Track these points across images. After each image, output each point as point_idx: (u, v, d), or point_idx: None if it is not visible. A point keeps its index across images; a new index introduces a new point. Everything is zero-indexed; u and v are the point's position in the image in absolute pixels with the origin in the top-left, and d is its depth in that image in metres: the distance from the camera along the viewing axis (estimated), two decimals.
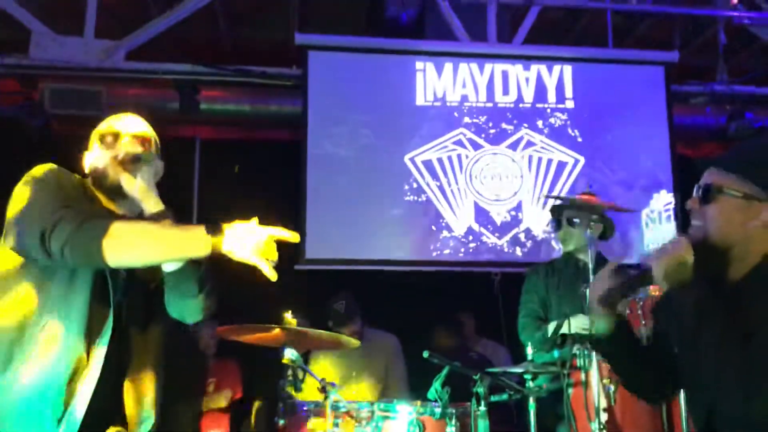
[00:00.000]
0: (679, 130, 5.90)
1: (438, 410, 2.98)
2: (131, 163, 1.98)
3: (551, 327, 3.31)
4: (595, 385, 2.92)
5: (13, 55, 5.41)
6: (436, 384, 2.91)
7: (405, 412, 3.02)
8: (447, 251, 5.51)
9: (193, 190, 6.14)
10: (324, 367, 4.50)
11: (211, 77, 5.69)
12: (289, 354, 3.02)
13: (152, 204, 1.96)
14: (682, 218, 5.67)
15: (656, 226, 5.70)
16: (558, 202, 3.88)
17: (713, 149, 6.32)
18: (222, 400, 4.93)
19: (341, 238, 5.41)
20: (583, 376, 2.98)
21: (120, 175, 1.98)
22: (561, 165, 5.74)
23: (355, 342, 3.19)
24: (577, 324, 3.09)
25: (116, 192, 2.00)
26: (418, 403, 3.05)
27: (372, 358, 4.54)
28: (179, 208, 2.05)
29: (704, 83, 6.15)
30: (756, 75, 6.18)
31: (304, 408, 3.22)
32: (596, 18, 6.11)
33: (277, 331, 2.99)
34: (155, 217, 1.94)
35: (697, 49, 6.29)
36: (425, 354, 2.93)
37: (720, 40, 6.01)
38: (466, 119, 5.72)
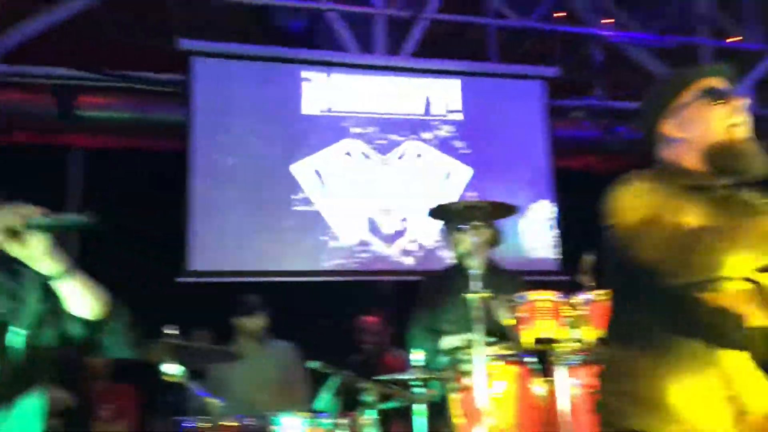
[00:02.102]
0: (559, 142, 6.15)
1: (327, 421, 2.95)
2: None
3: (445, 343, 3.35)
4: (480, 389, 2.96)
5: None
6: (324, 394, 2.87)
7: (291, 424, 2.96)
8: (338, 261, 5.49)
9: (72, 199, 5.84)
10: (226, 378, 4.37)
11: (91, 83, 5.47)
12: (171, 369, 2.90)
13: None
14: (563, 228, 5.91)
15: (537, 235, 5.91)
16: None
17: (591, 161, 6.63)
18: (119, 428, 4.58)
19: (228, 249, 5.29)
20: (468, 381, 3.02)
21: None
22: (449, 176, 5.85)
23: (239, 354, 3.10)
24: (464, 339, 3.13)
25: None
26: (306, 414, 3.00)
27: (274, 367, 4.45)
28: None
29: (582, 98, 6.46)
30: (630, 91, 6.54)
31: (186, 425, 3.10)
32: (485, 32, 6.29)
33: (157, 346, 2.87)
34: None
35: (577, 65, 6.60)
36: (313, 364, 2.88)
37: (594, 58, 6.33)
38: (355, 129, 5.73)
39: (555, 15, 6.34)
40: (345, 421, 2.96)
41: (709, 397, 1.65)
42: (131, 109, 5.60)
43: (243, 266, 5.29)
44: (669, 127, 1.89)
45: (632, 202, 1.75)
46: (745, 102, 1.84)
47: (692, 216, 1.69)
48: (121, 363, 4.46)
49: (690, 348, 1.67)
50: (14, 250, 1.68)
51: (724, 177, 1.80)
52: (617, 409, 1.74)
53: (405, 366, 4.19)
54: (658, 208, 1.68)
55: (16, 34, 5.25)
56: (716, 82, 1.86)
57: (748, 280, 1.64)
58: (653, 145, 1.94)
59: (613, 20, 6.31)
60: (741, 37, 6.46)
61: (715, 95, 1.83)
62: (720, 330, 1.66)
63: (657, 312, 1.71)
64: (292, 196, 5.50)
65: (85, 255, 1.91)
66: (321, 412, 2.98)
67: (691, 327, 1.67)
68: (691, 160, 1.85)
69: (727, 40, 6.49)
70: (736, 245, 1.51)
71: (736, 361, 1.68)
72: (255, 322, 4.43)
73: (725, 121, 1.81)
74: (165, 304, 5.03)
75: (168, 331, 2.84)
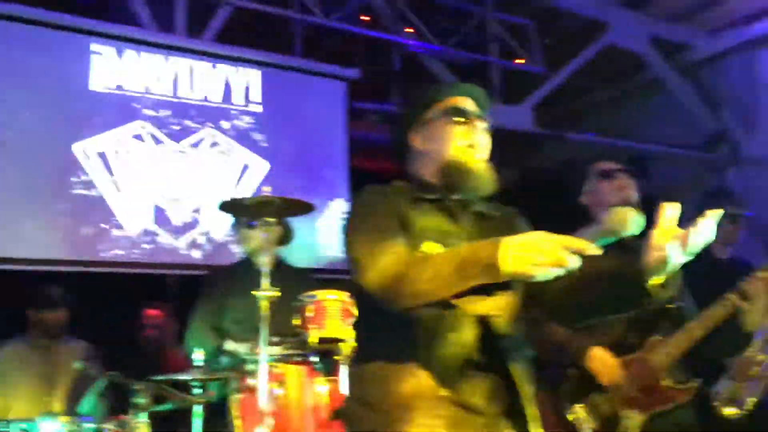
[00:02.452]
0: (357, 143, 6.24)
1: (89, 426, 2.71)
2: None
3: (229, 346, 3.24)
4: (263, 390, 2.89)
5: None
6: (90, 397, 2.64)
7: (50, 429, 2.68)
8: (118, 251, 5.13)
9: None
10: (11, 379, 3.90)
11: None
12: None
13: None
14: None
15: (331, 234, 5.95)
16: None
17: (386, 165, 6.80)
18: None
19: None
20: (251, 381, 2.93)
21: None
22: (245, 168, 5.71)
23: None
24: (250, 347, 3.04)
25: None
26: (67, 419, 2.74)
27: (68, 366, 4.04)
28: None
29: (381, 102, 6.61)
30: None
31: None
32: (291, 26, 6.22)
33: None
34: None
35: (377, 69, 6.75)
36: (77, 364, 2.64)
37: (394, 64, 6.51)
38: (148, 112, 5.40)
39: (360, 18, 6.43)
40: (110, 425, 2.74)
41: (433, 402, 1.69)
42: None
43: (8, 252, 4.77)
44: (416, 140, 1.95)
45: (361, 218, 1.79)
46: (484, 125, 1.93)
47: (422, 228, 1.76)
48: None
49: (413, 356, 1.71)
50: None
51: (456, 192, 1.88)
52: (354, 413, 1.77)
53: (189, 363, 4.01)
54: (386, 228, 1.71)
55: None
56: (462, 102, 1.94)
57: (451, 305, 1.64)
58: (403, 155, 1.99)
59: (413, 30, 6.53)
60: (524, 60, 6.97)
61: (456, 114, 1.91)
62: (430, 349, 1.71)
63: (382, 327, 1.75)
64: (72, 179, 5.05)
65: None
66: (85, 415, 2.73)
67: (410, 345, 1.71)
68: (430, 173, 1.92)
69: (515, 62, 6.97)
70: (451, 273, 1.52)
71: (456, 368, 1.72)
72: (57, 316, 4.04)
73: (462, 140, 1.89)
74: None
75: None
